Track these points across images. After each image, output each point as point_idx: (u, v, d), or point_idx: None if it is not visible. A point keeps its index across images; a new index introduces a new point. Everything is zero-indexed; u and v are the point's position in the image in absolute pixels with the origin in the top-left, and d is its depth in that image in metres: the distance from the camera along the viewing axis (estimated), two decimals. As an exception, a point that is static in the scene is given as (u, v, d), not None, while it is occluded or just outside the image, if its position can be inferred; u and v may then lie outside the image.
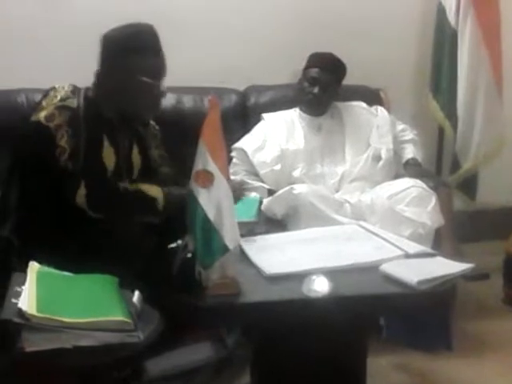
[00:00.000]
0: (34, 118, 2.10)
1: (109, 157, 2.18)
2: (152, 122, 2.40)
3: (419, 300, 1.91)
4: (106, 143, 2.18)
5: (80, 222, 2.05)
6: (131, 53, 2.14)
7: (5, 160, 2.52)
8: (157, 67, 2.19)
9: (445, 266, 1.98)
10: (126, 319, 1.64)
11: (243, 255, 2.03)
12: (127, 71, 2.15)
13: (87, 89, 2.21)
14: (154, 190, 2.19)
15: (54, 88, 2.20)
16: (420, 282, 1.86)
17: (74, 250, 1.95)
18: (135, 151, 2.30)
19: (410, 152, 3.09)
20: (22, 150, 2.12)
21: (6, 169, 2.19)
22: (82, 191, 2.06)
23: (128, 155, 2.26)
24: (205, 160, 1.79)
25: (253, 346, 2.13)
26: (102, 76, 2.19)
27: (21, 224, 2.08)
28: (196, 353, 2.19)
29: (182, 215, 1.86)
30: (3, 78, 3.11)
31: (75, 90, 2.18)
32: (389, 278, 1.91)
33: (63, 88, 2.18)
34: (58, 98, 2.14)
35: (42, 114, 2.08)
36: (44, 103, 2.14)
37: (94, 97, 2.19)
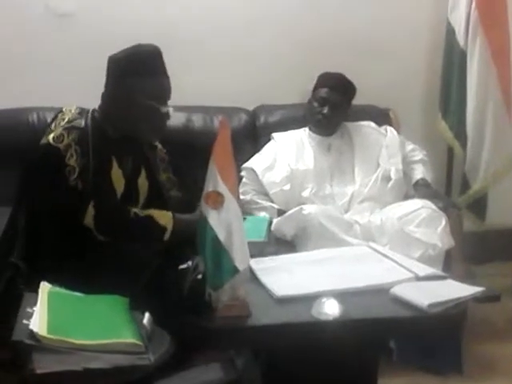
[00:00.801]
0: (43, 141, 2.11)
1: (118, 179, 2.19)
2: (159, 145, 2.40)
3: (430, 323, 1.90)
4: (115, 165, 2.18)
5: (88, 241, 2.06)
6: (133, 75, 2.13)
7: (15, 179, 2.54)
8: (159, 89, 2.18)
9: (455, 289, 1.97)
10: (136, 341, 1.64)
11: (253, 276, 2.03)
12: (129, 93, 2.14)
13: (94, 110, 2.22)
14: (165, 218, 2.16)
15: (61, 111, 2.22)
16: (431, 305, 1.85)
17: (81, 270, 1.95)
18: (142, 176, 2.29)
19: (419, 172, 3.09)
20: (32, 173, 2.12)
21: (17, 189, 2.20)
22: (90, 211, 2.07)
23: (134, 180, 2.26)
24: (215, 181, 1.79)
25: (262, 368, 2.12)
26: (107, 98, 2.20)
27: (28, 247, 2.08)
28: (205, 374, 2.17)
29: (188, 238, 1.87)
30: (15, 97, 3.14)
31: (82, 112, 2.20)
32: (399, 301, 1.91)
33: (70, 111, 2.20)
34: (66, 119, 2.15)
35: (51, 136, 2.09)
36: (52, 126, 2.15)
37: (100, 118, 2.20)
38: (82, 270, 1.95)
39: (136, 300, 1.86)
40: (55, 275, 1.90)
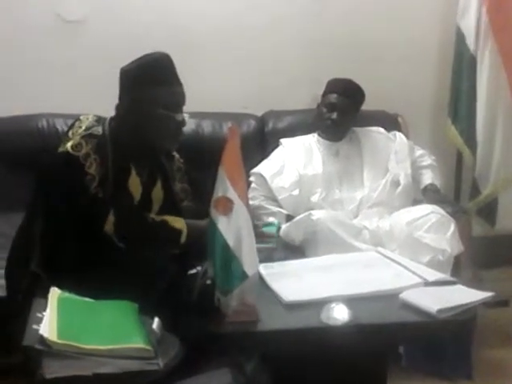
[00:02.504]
0: (61, 150, 2.10)
1: (136, 186, 2.19)
2: (177, 155, 2.39)
3: (439, 329, 1.90)
4: (134, 172, 2.19)
5: (104, 249, 2.06)
6: (146, 86, 2.12)
7: (25, 184, 2.55)
8: (173, 98, 2.17)
9: (465, 295, 1.97)
10: (146, 346, 1.64)
11: (262, 281, 2.03)
12: (144, 105, 2.13)
13: (111, 118, 2.21)
14: (179, 223, 2.18)
15: (78, 119, 2.20)
16: (440, 311, 1.85)
17: (97, 277, 1.96)
18: (158, 186, 2.29)
19: (428, 178, 3.08)
20: (49, 181, 2.12)
21: (28, 195, 2.20)
22: (111, 218, 2.07)
23: (149, 190, 2.25)
24: (225, 187, 1.80)
25: (271, 374, 2.12)
26: (121, 109, 2.19)
27: (47, 255, 2.07)
28: (214, 380, 2.17)
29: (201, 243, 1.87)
30: (24, 104, 3.16)
31: (100, 120, 2.19)
32: (408, 307, 1.90)
33: (87, 118, 2.19)
34: (83, 127, 2.14)
35: (69, 145, 2.08)
36: (70, 134, 2.14)
37: (117, 129, 2.19)
38: (101, 278, 1.94)
39: (151, 306, 1.86)
40: (73, 283, 1.90)
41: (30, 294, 1.95)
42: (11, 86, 3.22)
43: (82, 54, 3.27)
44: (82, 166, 2.05)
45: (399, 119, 3.39)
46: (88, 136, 2.11)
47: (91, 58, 3.26)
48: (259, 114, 3.37)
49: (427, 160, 3.17)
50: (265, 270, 2.10)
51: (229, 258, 1.79)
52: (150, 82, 2.13)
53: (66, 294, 1.85)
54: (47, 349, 1.58)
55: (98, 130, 2.14)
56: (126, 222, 2.10)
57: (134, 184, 2.19)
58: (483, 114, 3.42)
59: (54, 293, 1.83)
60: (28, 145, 3.04)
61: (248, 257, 1.80)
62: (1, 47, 3.21)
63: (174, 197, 2.33)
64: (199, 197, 2.33)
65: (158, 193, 2.29)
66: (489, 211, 3.52)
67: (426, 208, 2.81)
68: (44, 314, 1.72)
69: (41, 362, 1.57)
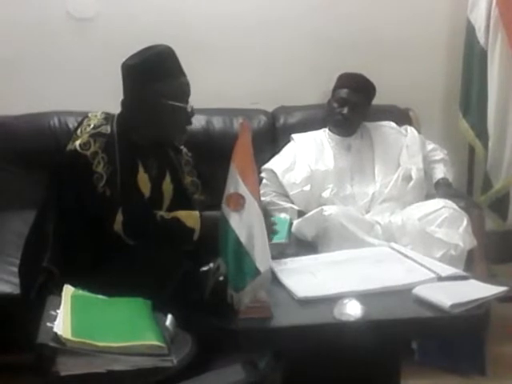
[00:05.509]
0: (69, 148, 2.11)
1: (144, 183, 2.19)
2: (184, 149, 2.39)
3: (453, 324, 1.89)
4: (141, 169, 2.19)
5: (115, 247, 2.07)
6: (153, 81, 2.12)
7: (37, 182, 2.56)
8: (180, 89, 2.17)
9: (478, 289, 1.96)
10: (159, 343, 1.65)
11: (274, 278, 2.03)
12: (149, 97, 2.13)
13: (119, 115, 2.21)
14: (191, 219, 2.16)
15: (87, 116, 2.20)
16: (453, 306, 1.84)
17: (109, 274, 1.96)
18: (167, 180, 2.29)
19: (440, 172, 3.08)
20: (59, 180, 2.13)
21: (40, 193, 2.21)
22: (119, 217, 2.07)
23: (159, 184, 2.26)
24: (236, 183, 1.80)
25: (284, 370, 2.13)
26: (129, 106, 2.19)
27: (59, 253, 2.09)
28: (227, 376, 2.18)
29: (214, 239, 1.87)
30: (35, 102, 3.17)
31: (108, 117, 2.19)
32: (422, 302, 1.90)
33: (96, 116, 2.19)
34: (92, 125, 2.14)
35: (77, 143, 2.08)
36: (78, 132, 2.14)
37: (125, 125, 2.19)
38: (114, 275, 1.95)
39: (164, 303, 1.87)
40: (85, 279, 1.91)
41: (43, 291, 1.97)
42: (22, 84, 3.23)
43: (93, 51, 3.28)
44: (89, 165, 2.06)
45: (410, 113, 3.38)
46: (96, 135, 2.11)
47: (102, 56, 3.26)
48: (270, 109, 3.37)
49: (439, 154, 3.16)
50: (277, 266, 2.10)
51: (241, 255, 1.78)
52: (158, 77, 2.12)
53: (80, 292, 1.86)
54: (61, 346, 1.59)
55: (107, 128, 2.14)
56: (134, 222, 2.10)
57: (143, 181, 2.19)
58: (494, 107, 3.40)
59: (68, 290, 1.84)
60: (40, 143, 3.05)
61: (260, 253, 1.79)
62: (12, 45, 3.22)
63: (184, 190, 2.33)
64: (210, 192, 2.33)
65: (167, 187, 2.29)
66: (501, 205, 3.51)
67: (438, 202, 2.81)
68: (58, 311, 1.73)
69: (55, 359, 1.58)
